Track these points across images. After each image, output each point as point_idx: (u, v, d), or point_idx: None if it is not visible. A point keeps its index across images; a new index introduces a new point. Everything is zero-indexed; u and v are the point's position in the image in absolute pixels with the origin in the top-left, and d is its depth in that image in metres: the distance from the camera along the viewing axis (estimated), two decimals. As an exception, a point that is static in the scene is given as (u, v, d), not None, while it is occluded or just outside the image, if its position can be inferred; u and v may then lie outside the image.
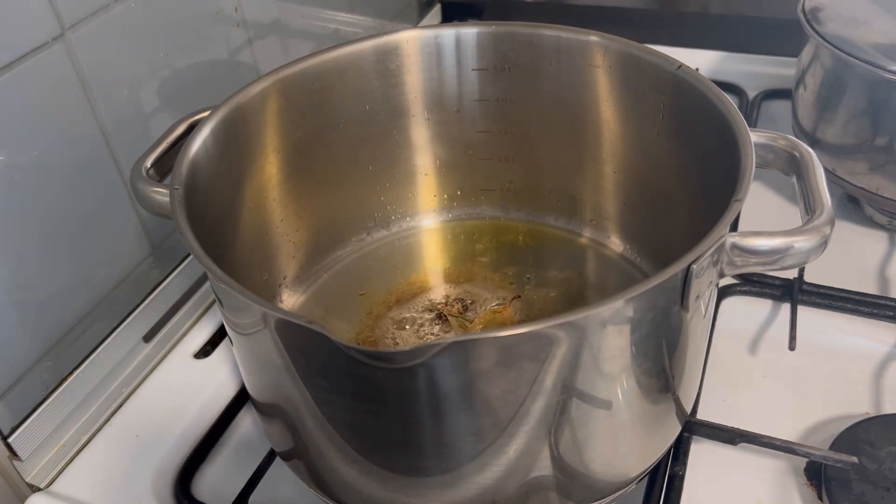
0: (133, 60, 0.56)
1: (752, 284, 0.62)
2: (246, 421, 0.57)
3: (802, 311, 0.59)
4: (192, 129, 0.49)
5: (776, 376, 0.57)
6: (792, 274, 0.62)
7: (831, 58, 0.63)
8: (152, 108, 0.58)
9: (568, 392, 0.39)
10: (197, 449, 0.55)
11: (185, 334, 0.64)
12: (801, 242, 0.39)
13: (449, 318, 0.58)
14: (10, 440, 0.51)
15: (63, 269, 0.54)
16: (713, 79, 0.50)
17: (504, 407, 0.39)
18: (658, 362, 0.43)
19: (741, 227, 0.65)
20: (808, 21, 0.65)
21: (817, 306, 0.60)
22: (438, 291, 0.61)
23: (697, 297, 0.40)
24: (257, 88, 0.53)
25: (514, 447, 0.41)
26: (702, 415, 0.53)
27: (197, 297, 0.65)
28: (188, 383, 0.60)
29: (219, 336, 0.64)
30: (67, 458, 0.55)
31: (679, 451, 0.51)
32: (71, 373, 0.55)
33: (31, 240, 0.51)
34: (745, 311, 0.61)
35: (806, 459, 0.50)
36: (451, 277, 0.62)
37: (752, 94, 0.83)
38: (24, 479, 0.53)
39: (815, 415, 0.54)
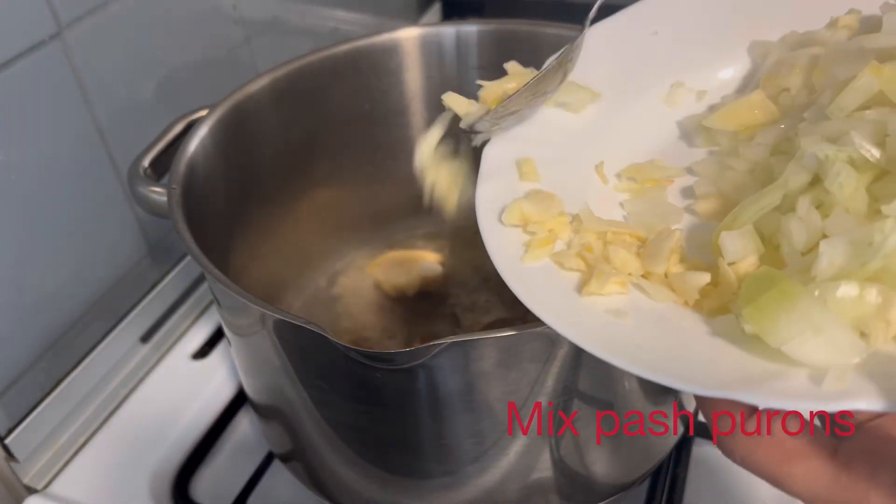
0: (130, 59, 0.56)
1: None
2: (244, 422, 0.57)
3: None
4: (189, 128, 0.49)
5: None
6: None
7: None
8: (149, 107, 0.58)
9: (569, 393, 0.39)
10: (195, 450, 0.54)
11: (182, 335, 0.64)
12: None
13: (449, 319, 0.58)
14: (6, 442, 0.51)
15: (60, 269, 0.54)
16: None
17: (505, 408, 0.38)
18: (660, 363, 0.42)
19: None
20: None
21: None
22: (438, 292, 0.60)
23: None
24: (255, 87, 0.53)
25: (514, 449, 0.40)
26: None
27: (195, 298, 0.65)
28: (186, 384, 0.59)
29: (217, 337, 0.63)
30: (64, 459, 0.55)
31: (681, 453, 0.51)
32: (68, 374, 0.55)
33: (27, 240, 0.51)
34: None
35: (809, 461, 0.50)
36: (451, 278, 0.62)
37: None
38: (21, 481, 0.53)
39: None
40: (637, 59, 0.41)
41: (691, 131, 0.40)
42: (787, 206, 0.31)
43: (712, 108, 0.40)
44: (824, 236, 0.29)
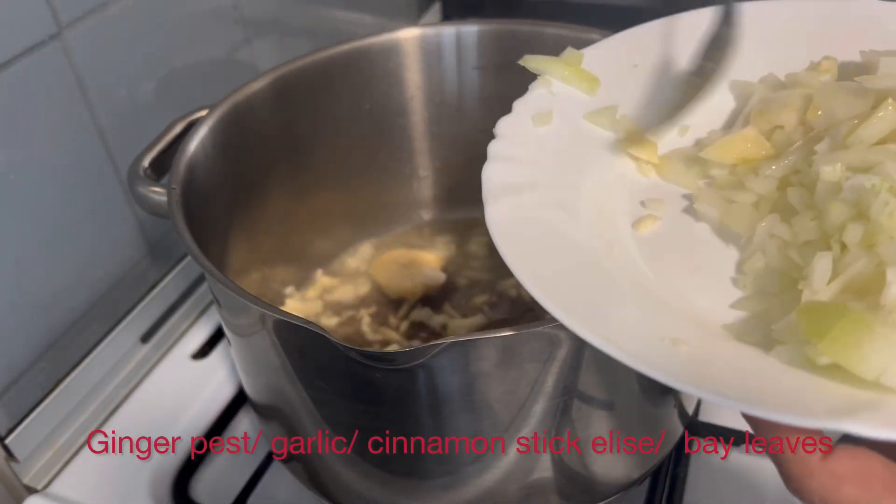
0: (130, 59, 0.56)
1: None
2: (244, 422, 0.57)
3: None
4: (189, 128, 0.49)
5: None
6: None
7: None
8: (150, 107, 0.58)
9: (569, 393, 0.39)
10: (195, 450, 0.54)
11: (182, 335, 0.64)
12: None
13: (449, 319, 0.58)
14: (6, 441, 0.51)
15: (60, 269, 0.54)
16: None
17: (505, 408, 0.38)
18: (660, 363, 0.42)
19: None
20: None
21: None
22: (438, 292, 0.60)
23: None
24: (256, 87, 0.53)
25: (515, 449, 0.40)
26: (704, 416, 0.53)
27: (195, 298, 0.65)
28: (186, 384, 0.59)
29: (217, 337, 0.63)
30: (64, 459, 0.55)
31: (681, 453, 0.51)
32: (68, 374, 0.55)
33: (27, 240, 0.51)
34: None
35: (809, 461, 0.50)
36: (451, 278, 0.62)
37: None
38: (21, 481, 0.53)
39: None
40: (618, 90, 0.41)
41: (681, 162, 0.40)
42: (823, 240, 0.31)
43: (699, 142, 0.40)
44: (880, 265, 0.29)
